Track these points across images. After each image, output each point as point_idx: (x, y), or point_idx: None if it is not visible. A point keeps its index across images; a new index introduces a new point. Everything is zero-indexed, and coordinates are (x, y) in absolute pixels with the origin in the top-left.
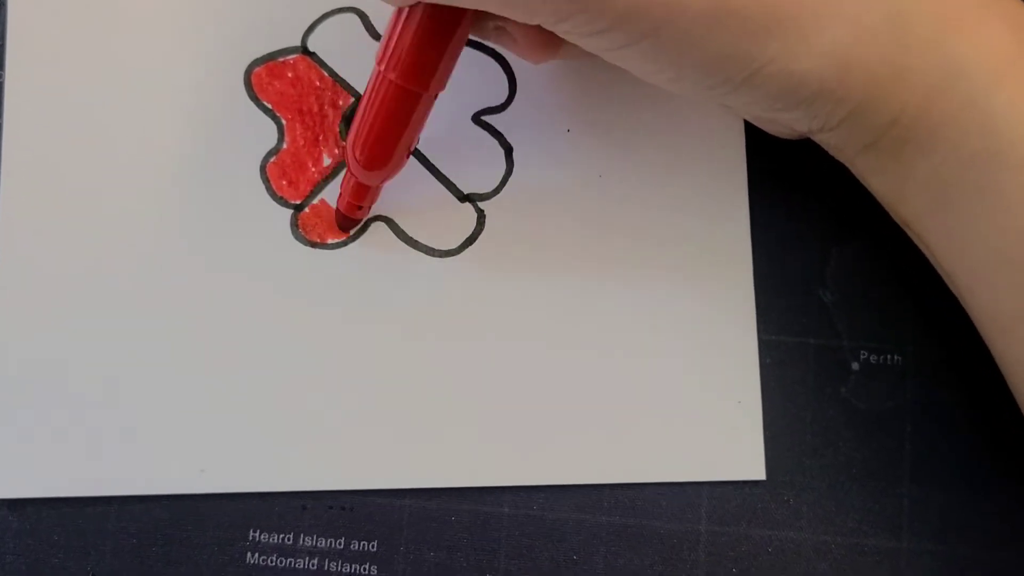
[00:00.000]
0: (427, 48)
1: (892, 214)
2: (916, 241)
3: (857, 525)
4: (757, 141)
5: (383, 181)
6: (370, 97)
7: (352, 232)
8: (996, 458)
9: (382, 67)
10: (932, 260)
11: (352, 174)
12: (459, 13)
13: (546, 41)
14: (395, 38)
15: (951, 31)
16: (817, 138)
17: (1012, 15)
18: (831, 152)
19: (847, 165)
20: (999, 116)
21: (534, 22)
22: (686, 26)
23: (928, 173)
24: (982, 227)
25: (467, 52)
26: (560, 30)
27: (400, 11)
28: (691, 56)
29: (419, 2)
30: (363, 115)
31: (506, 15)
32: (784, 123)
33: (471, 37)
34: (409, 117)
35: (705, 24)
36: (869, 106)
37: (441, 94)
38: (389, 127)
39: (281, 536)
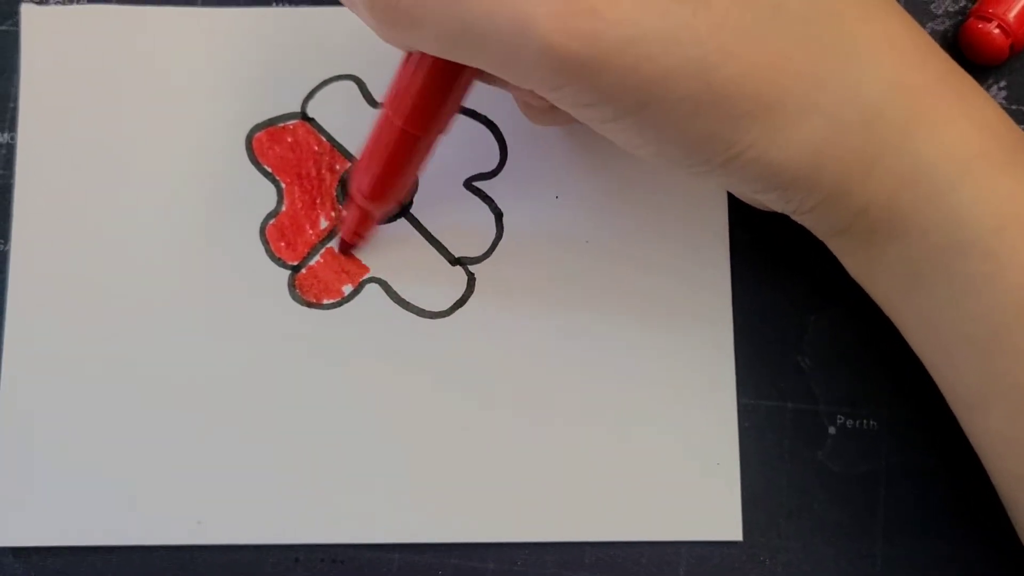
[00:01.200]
0: (430, 97)
1: (865, 290)
2: (888, 316)
3: None
4: (739, 212)
5: (384, 211)
6: (376, 136)
7: (347, 292)
8: (968, 521)
9: (388, 111)
10: (903, 335)
11: (355, 204)
12: (462, 67)
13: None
14: (401, 85)
15: (920, 128)
16: (793, 218)
17: (977, 110)
18: (808, 229)
19: (823, 242)
20: (963, 210)
21: (527, 87)
22: (671, 106)
23: (897, 258)
24: (949, 311)
25: (460, 120)
26: (551, 98)
27: (408, 59)
28: (674, 135)
29: (421, 52)
30: (369, 152)
31: (502, 77)
32: (760, 203)
33: (465, 105)
34: (411, 157)
35: (690, 106)
36: (840, 197)
37: (434, 160)
38: (392, 165)
39: None
